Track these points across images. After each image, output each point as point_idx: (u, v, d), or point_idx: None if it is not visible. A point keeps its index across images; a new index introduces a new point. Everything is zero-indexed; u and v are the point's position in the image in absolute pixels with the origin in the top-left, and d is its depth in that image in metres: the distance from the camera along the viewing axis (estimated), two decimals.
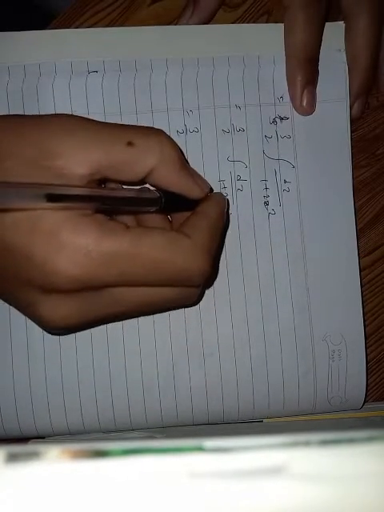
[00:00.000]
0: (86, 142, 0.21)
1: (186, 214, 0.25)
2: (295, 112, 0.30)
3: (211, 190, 0.27)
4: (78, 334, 0.29)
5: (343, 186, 0.30)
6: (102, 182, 0.24)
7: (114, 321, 0.29)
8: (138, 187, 0.26)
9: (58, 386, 0.29)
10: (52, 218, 0.20)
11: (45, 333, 0.29)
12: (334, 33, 0.30)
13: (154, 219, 0.26)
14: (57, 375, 0.29)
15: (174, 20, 0.31)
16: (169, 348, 0.29)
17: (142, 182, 0.24)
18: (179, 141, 0.29)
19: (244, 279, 0.29)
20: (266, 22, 0.32)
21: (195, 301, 0.26)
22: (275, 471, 0.12)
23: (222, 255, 0.29)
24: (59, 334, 0.29)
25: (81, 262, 0.20)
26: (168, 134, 0.29)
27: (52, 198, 0.19)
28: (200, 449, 0.12)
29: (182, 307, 0.29)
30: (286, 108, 0.30)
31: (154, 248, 0.22)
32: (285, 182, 0.30)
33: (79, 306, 0.22)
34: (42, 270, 0.21)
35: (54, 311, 0.22)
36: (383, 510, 0.12)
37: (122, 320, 0.29)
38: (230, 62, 0.29)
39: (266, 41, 0.29)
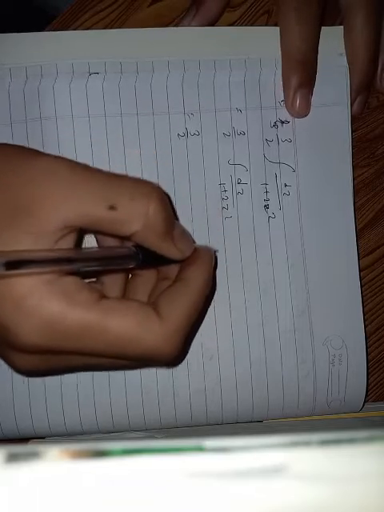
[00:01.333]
0: (64, 196, 0.20)
1: (176, 267, 0.24)
2: None
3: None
4: None
5: (343, 190, 0.30)
6: (83, 231, 0.23)
7: (76, 372, 0.29)
8: (115, 243, 0.25)
9: (57, 388, 0.28)
10: (20, 285, 0.20)
11: None
12: (334, 37, 0.30)
13: (141, 275, 0.25)
14: (55, 377, 0.28)
15: (174, 20, 0.31)
16: None
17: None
18: (180, 144, 0.29)
19: (244, 283, 0.29)
20: (266, 22, 0.32)
21: (171, 364, 0.26)
22: (275, 471, 0.12)
23: (223, 257, 0.29)
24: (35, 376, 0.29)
25: (44, 333, 0.20)
26: (169, 136, 0.29)
27: (11, 265, 0.18)
28: (200, 449, 0.12)
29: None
30: (287, 112, 0.30)
31: (121, 327, 0.21)
32: (285, 185, 0.30)
33: (46, 363, 0.22)
34: (8, 334, 0.20)
35: (21, 364, 0.22)
36: (383, 510, 0.12)
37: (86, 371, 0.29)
38: (231, 65, 0.29)
39: (268, 44, 0.29)
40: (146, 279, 0.26)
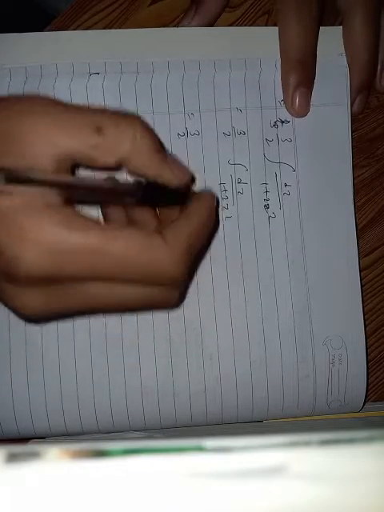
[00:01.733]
0: (53, 126, 0.21)
1: (175, 212, 0.24)
2: None
3: (193, 179, 0.26)
4: (76, 335, 0.29)
5: (343, 189, 0.30)
6: (74, 168, 0.23)
7: (90, 314, 0.28)
8: (114, 174, 0.25)
9: (57, 388, 0.28)
10: (16, 208, 0.19)
11: (43, 334, 0.29)
12: (333, 37, 0.30)
13: (143, 215, 0.25)
14: (55, 377, 0.28)
15: (174, 20, 0.31)
16: (168, 351, 0.29)
17: (117, 168, 0.23)
18: (180, 143, 0.29)
19: (244, 282, 0.29)
20: (266, 23, 0.32)
21: (174, 303, 0.25)
22: (275, 471, 0.12)
23: (223, 258, 0.29)
24: (37, 322, 0.28)
25: (44, 257, 0.20)
26: (169, 136, 0.29)
27: (11, 179, 0.18)
28: (200, 449, 0.12)
29: (161, 309, 0.28)
30: (287, 111, 0.30)
31: (125, 248, 0.21)
32: (285, 185, 0.30)
33: (46, 298, 0.21)
34: (12, 265, 0.20)
35: (20, 300, 0.21)
36: (383, 510, 0.12)
37: (98, 314, 0.28)
38: (231, 64, 0.29)
39: (268, 44, 0.29)
40: (145, 223, 0.26)
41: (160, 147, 0.23)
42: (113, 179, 0.23)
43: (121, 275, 0.21)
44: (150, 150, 0.22)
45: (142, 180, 0.23)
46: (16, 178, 0.18)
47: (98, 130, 0.21)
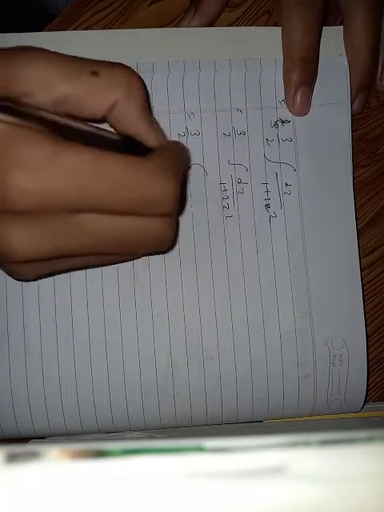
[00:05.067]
0: (51, 70, 0.21)
1: None
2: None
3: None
4: (76, 336, 0.29)
5: (344, 189, 0.30)
6: (65, 115, 0.23)
7: (84, 264, 0.26)
8: (98, 125, 0.25)
9: (56, 388, 0.28)
10: (7, 131, 0.19)
11: (43, 334, 0.28)
12: (334, 37, 0.30)
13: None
14: (54, 377, 0.28)
15: (174, 20, 0.31)
16: (168, 352, 0.29)
17: (102, 120, 0.23)
18: None
19: (245, 282, 0.29)
20: (266, 22, 0.32)
21: (169, 240, 0.25)
22: (275, 471, 0.12)
23: (223, 258, 0.29)
24: (28, 280, 0.28)
25: (38, 174, 0.19)
26: (169, 136, 0.29)
27: (7, 109, 0.19)
28: (200, 449, 0.12)
29: (157, 249, 0.26)
30: (288, 111, 0.30)
31: (116, 166, 0.21)
32: (286, 185, 0.30)
33: (41, 231, 0.21)
34: (7, 190, 0.19)
35: (11, 238, 0.21)
36: (383, 510, 0.12)
37: (95, 266, 0.28)
38: (231, 64, 0.29)
39: (268, 44, 0.29)
40: None
41: (148, 105, 0.24)
42: (100, 128, 0.23)
43: (114, 201, 0.21)
44: (140, 100, 0.23)
45: (126, 135, 0.24)
46: (12, 110, 0.19)
47: (94, 74, 0.22)
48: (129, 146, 0.24)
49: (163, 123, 0.29)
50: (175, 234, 0.27)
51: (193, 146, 0.29)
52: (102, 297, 0.29)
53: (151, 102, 0.29)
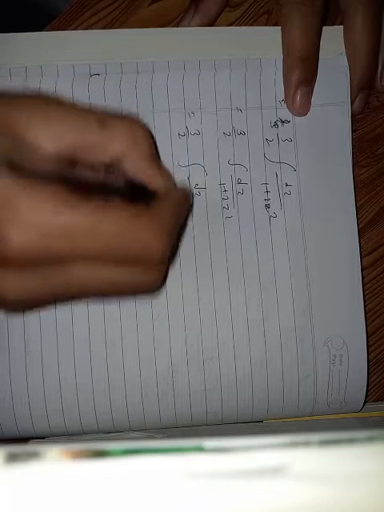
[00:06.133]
0: (58, 120, 0.21)
1: None
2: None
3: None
4: (76, 336, 0.29)
5: (344, 189, 0.30)
6: (71, 164, 0.23)
7: (72, 300, 0.28)
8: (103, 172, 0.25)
9: (56, 388, 0.28)
10: (10, 187, 0.20)
11: (42, 334, 0.29)
12: (334, 36, 0.30)
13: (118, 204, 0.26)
14: (54, 377, 0.28)
15: (174, 20, 0.31)
16: (168, 352, 0.29)
17: (109, 165, 0.23)
18: (180, 143, 0.29)
19: (245, 282, 0.29)
20: (266, 22, 0.32)
21: (157, 286, 0.25)
22: (275, 471, 0.12)
23: (223, 258, 0.29)
24: (17, 311, 0.28)
25: (35, 235, 0.20)
26: (169, 136, 0.29)
27: (13, 166, 0.19)
28: (200, 449, 0.12)
29: (145, 293, 0.28)
30: (287, 111, 0.30)
31: (113, 222, 0.21)
32: (286, 185, 0.30)
33: (31, 280, 0.21)
34: (1, 243, 0.20)
35: (4, 284, 0.21)
36: (383, 510, 0.12)
37: (83, 300, 0.28)
38: (231, 64, 0.29)
39: (268, 44, 0.29)
40: None
41: (155, 153, 0.24)
42: (106, 176, 0.24)
43: (109, 254, 0.21)
44: (146, 150, 0.23)
45: (132, 180, 0.24)
46: (17, 167, 0.19)
47: (102, 126, 0.22)
48: (134, 191, 0.24)
49: (163, 123, 0.29)
50: (163, 280, 0.28)
51: (193, 146, 0.29)
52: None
53: (151, 101, 0.29)
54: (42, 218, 0.20)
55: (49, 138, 0.21)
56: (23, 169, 0.19)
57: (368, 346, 0.30)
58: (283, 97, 0.30)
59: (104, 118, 0.22)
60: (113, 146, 0.22)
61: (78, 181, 0.21)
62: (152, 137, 0.24)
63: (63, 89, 0.28)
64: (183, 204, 0.25)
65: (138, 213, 0.22)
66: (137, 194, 0.24)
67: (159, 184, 0.24)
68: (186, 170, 0.29)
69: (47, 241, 0.20)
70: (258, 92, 0.30)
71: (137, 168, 0.23)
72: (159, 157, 0.28)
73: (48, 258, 0.21)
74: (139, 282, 0.24)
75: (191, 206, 0.29)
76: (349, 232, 0.30)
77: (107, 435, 0.29)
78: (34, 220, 0.20)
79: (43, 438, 0.29)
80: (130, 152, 0.23)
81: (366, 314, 0.30)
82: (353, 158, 0.30)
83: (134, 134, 0.23)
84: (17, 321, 0.28)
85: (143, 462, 0.12)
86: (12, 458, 0.12)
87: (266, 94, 0.30)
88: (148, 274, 0.23)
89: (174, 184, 0.26)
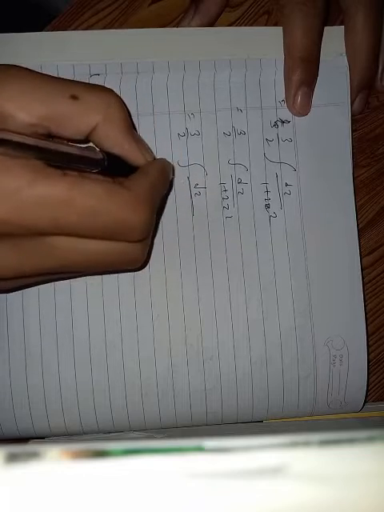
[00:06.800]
0: (30, 92, 0.21)
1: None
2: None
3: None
4: (76, 336, 0.29)
5: (344, 189, 0.30)
6: (46, 136, 0.23)
7: (56, 278, 0.28)
8: (82, 145, 0.25)
9: (56, 388, 0.28)
10: None
11: (42, 334, 0.29)
12: (334, 37, 0.30)
13: (98, 177, 0.25)
14: (54, 377, 0.28)
15: (174, 20, 0.31)
16: (168, 352, 0.29)
17: (87, 139, 0.23)
18: (180, 143, 0.29)
19: (245, 283, 0.29)
20: (266, 22, 0.32)
21: (139, 262, 0.25)
22: (275, 471, 0.12)
23: (223, 258, 0.29)
24: (3, 291, 0.28)
25: (10, 203, 0.20)
26: (169, 136, 0.29)
27: None
28: (200, 449, 0.12)
29: (127, 268, 0.27)
30: (288, 111, 0.30)
31: (90, 196, 0.21)
32: (286, 185, 0.30)
33: (10, 253, 0.21)
34: None
35: None
36: (383, 510, 0.12)
37: (65, 278, 0.28)
38: (231, 65, 0.29)
39: (268, 44, 0.29)
40: None
41: (131, 124, 0.24)
42: (83, 148, 0.23)
43: (86, 226, 0.21)
44: (121, 123, 0.23)
45: (110, 153, 0.23)
46: None
47: (73, 98, 0.22)
48: (113, 165, 0.23)
49: (163, 124, 0.29)
50: (147, 255, 0.28)
51: (193, 146, 0.29)
52: (101, 297, 0.29)
53: (151, 102, 0.29)
54: (16, 189, 0.20)
55: (22, 109, 0.21)
56: None
57: (368, 346, 0.30)
58: (283, 97, 0.30)
59: (78, 90, 0.22)
60: (87, 119, 0.22)
61: (54, 152, 0.21)
62: (126, 109, 0.24)
63: None
64: (163, 177, 0.25)
65: (114, 187, 0.22)
66: (116, 167, 0.24)
67: (137, 157, 0.24)
68: (186, 169, 0.29)
69: (22, 211, 0.20)
70: (258, 92, 0.30)
71: (113, 141, 0.23)
72: (135, 129, 0.28)
73: (24, 228, 0.20)
74: (121, 257, 0.24)
75: (172, 178, 0.29)
76: (349, 232, 0.30)
77: (107, 435, 0.29)
78: (9, 190, 0.19)
79: (43, 437, 0.29)
80: (105, 125, 0.23)
81: (366, 314, 0.30)
82: (353, 158, 0.30)
83: (109, 107, 0.23)
84: (17, 321, 0.28)
85: (143, 461, 0.12)
86: (12, 458, 0.12)
87: (266, 94, 0.30)
88: (129, 249, 0.23)
89: (153, 157, 0.26)
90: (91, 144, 0.24)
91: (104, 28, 0.31)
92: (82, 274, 0.28)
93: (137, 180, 0.23)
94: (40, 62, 0.28)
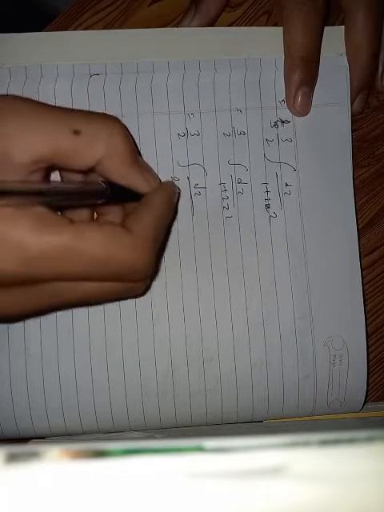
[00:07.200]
0: (30, 128, 0.21)
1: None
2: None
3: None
4: (76, 336, 0.29)
5: (344, 189, 0.30)
6: (50, 169, 0.23)
7: (58, 310, 0.28)
8: (82, 180, 0.25)
9: (56, 388, 0.28)
10: None
11: (42, 334, 0.29)
12: (334, 37, 0.30)
13: (108, 209, 0.25)
14: (54, 377, 0.28)
15: (174, 20, 0.31)
16: (168, 352, 0.29)
17: (92, 170, 0.23)
18: (180, 143, 0.29)
19: (245, 283, 0.29)
20: (266, 22, 0.32)
21: (141, 293, 0.26)
22: (275, 471, 0.12)
23: (223, 258, 0.29)
24: (8, 322, 0.28)
25: (16, 258, 0.20)
26: (169, 136, 0.29)
27: None
28: (200, 449, 0.12)
29: (128, 298, 0.28)
30: (287, 111, 0.30)
31: (94, 244, 0.21)
32: (286, 185, 0.30)
33: (16, 298, 0.21)
34: None
35: (2, 304, 0.21)
36: (383, 510, 0.12)
37: (68, 309, 0.29)
38: (231, 65, 0.29)
39: (268, 44, 0.29)
40: (111, 218, 0.26)
41: (135, 154, 0.23)
42: (82, 182, 0.23)
43: (90, 273, 0.21)
44: (125, 155, 0.23)
45: (114, 183, 0.23)
46: None
47: (75, 133, 0.21)
48: (118, 193, 0.23)
49: (163, 124, 0.29)
50: (147, 289, 0.28)
51: (193, 146, 0.29)
52: None
53: (151, 102, 0.29)
54: (22, 242, 0.20)
55: (21, 149, 0.20)
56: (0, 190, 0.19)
57: (368, 346, 0.30)
58: (283, 97, 0.30)
59: (79, 123, 0.21)
60: (90, 153, 0.22)
61: (57, 193, 0.21)
62: (131, 137, 0.23)
63: (63, 89, 0.28)
64: (168, 206, 0.25)
65: (117, 232, 0.22)
66: (121, 194, 0.24)
67: (142, 186, 0.24)
68: (186, 169, 0.29)
69: (28, 264, 0.20)
70: (258, 92, 0.30)
71: (117, 174, 0.23)
72: (140, 154, 0.28)
73: (29, 279, 0.21)
74: (123, 294, 0.24)
75: (177, 201, 0.29)
76: (349, 232, 0.30)
77: (107, 435, 0.29)
78: (14, 243, 0.20)
79: (43, 437, 0.29)
80: (109, 159, 0.22)
81: (366, 314, 0.30)
82: (353, 158, 0.30)
83: (112, 138, 0.22)
84: (17, 323, 0.28)
85: (143, 461, 0.12)
86: (12, 458, 0.12)
87: (266, 94, 0.30)
88: (132, 287, 0.24)
89: (159, 183, 0.25)
90: (94, 175, 0.24)
91: (104, 28, 0.31)
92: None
93: (140, 217, 0.23)
94: (40, 62, 0.28)
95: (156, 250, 0.23)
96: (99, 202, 0.23)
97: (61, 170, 0.24)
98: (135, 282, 0.23)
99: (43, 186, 0.21)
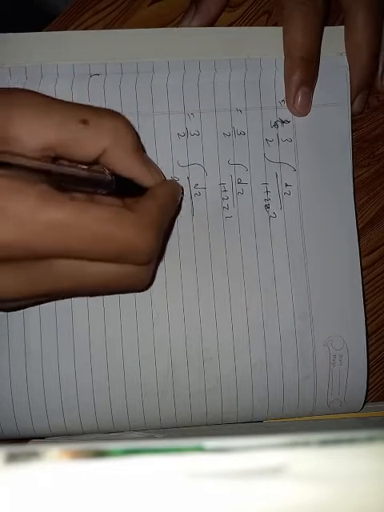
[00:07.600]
0: (41, 117, 0.21)
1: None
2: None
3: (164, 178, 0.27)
4: (76, 336, 0.29)
5: (344, 189, 0.30)
6: (55, 159, 0.23)
7: (60, 297, 0.28)
8: (91, 167, 0.25)
9: (56, 388, 0.28)
10: None
11: (42, 334, 0.29)
12: (334, 37, 0.30)
13: (110, 200, 0.25)
14: (54, 377, 0.28)
15: (174, 20, 0.31)
16: (168, 352, 0.29)
17: (96, 162, 0.23)
18: (180, 143, 0.29)
19: (244, 283, 0.29)
20: (266, 22, 0.32)
21: (145, 284, 0.25)
22: (275, 471, 0.12)
23: (223, 258, 0.29)
24: (6, 310, 0.28)
25: (15, 229, 0.20)
26: (169, 136, 0.29)
27: None
28: (200, 449, 0.12)
29: (133, 290, 0.28)
30: (288, 111, 0.30)
31: (98, 220, 0.21)
32: (286, 185, 0.30)
33: (15, 276, 0.21)
34: None
35: (2, 283, 0.21)
36: (383, 509, 0.12)
37: (70, 297, 0.28)
38: (231, 65, 0.29)
39: (268, 44, 0.29)
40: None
41: (140, 147, 0.24)
42: (92, 170, 0.23)
43: (92, 250, 0.21)
44: (130, 147, 0.23)
45: (119, 175, 0.23)
46: (1, 163, 0.19)
47: (83, 122, 0.22)
48: (123, 186, 0.24)
49: (163, 124, 0.29)
50: (152, 278, 0.28)
51: (192, 146, 0.29)
52: (101, 296, 0.29)
53: (151, 102, 0.29)
54: (24, 213, 0.20)
55: (32, 134, 0.21)
56: (8, 164, 0.19)
57: (368, 346, 0.30)
58: (283, 97, 0.30)
59: (87, 114, 0.22)
60: (96, 144, 0.22)
61: (62, 175, 0.21)
62: (136, 132, 0.24)
63: (63, 89, 0.28)
64: (171, 199, 0.25)
65: (122, 211, 0.22)
66: (125, 188, 0.24)
67: (146, 179, 0.24)
68: (186, 169, 0.29)
69: (29, 236, 0.20)
70: (258, 92, 0.30)
71: (122, 165, 0.23)
72: (145, 151, 0.28)
73: (29, 252, 0.21)
74: (126, 279, 0.24)
75: (181, 199, 0.29)
76: (349, 232, 0.30)
77: (107, 435, 0.29)
78: (16, 214, 0.20)
79: (43, 437, 0.29)
80: (114, 150, 0.23)
81: (366, 313, 0.30)
82: (353, 158, 0.30)
83: (117, 131, 0.23)
84: (17, 321, 0.28)
85: (143, 461, 0.12)
86: (12, 458, 0.12)
87: (266, 94, 0.30)
88: (134, 271, 0.23)
89: (163, 178, 0.26)
90: (100, 165, 0.24)
91: (104, 28, 0.31)
92: (88, 295, 0.29)
93: (144, 203, 0.23)
94: (40, 62, 0.28)
95: (160, 234, 0.23)
96: (103, 192, 0.23)
97: (67, 161, 0.24)
98: (138, 264, 0.23)
99: (52, 167, 0.21)
